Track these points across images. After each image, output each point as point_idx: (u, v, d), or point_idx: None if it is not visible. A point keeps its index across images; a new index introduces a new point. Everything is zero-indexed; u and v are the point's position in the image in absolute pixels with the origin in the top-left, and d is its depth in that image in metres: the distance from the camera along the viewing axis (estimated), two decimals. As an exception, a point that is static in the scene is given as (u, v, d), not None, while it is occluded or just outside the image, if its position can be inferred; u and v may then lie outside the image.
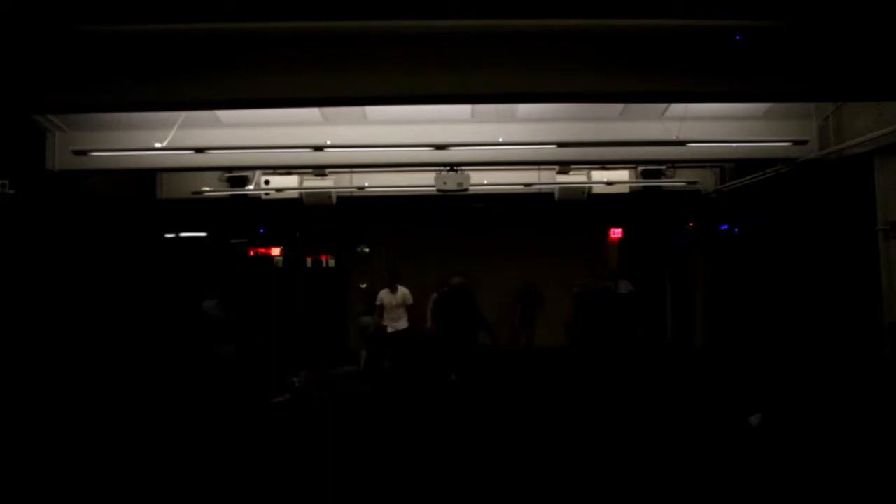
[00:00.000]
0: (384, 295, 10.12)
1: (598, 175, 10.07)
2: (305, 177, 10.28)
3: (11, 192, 7.50)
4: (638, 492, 5.49)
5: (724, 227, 12.03)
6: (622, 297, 12.02)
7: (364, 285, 13.81)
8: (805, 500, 5.30)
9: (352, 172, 10.65)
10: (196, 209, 11.44)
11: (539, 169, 10.59)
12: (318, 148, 7.84)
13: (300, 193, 10.30)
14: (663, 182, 10.12)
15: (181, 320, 9.61)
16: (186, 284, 11.25)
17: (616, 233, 13.61)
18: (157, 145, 7.45)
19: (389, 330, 10.03)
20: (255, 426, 7.01)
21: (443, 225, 13.12)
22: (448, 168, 8.69)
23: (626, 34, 5.24)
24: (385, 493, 5.48)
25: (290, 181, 10.06)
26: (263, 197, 10.40)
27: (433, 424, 7.61)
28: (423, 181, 9.59)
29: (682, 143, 7.84)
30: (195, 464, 6.08)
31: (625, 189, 10.44)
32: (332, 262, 14.24)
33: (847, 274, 8.03)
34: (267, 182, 10.03)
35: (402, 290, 10.12)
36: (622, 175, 10.06)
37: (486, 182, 10.27)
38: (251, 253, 13.70)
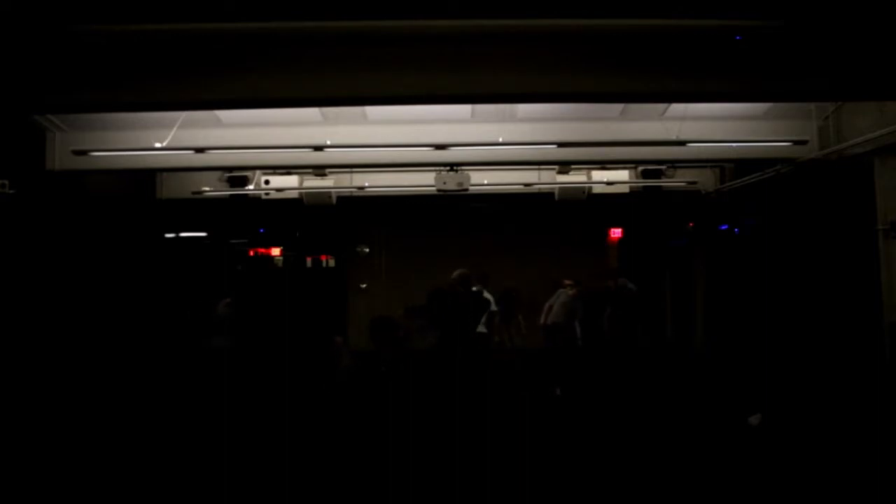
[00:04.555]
0: None
1: (598, 175, 10.08)
2: (305, 177, 10.28)
3: (11, 192, 7.50)
4: (638, 491, 5.49)
5: (724, 227, 12.03)
6: (622, 297, 12.00)
7: (364, 285, 13.83)
8: (805, 499, 5.30)
9: (352, 172, 10.64)
10: (196, 209, 11.44)
11: (539, 169, 10.58)
12: (318, 148, 7.85)
13: (300, 193, 10.31)
14: (663, 182, 10.14)
15: (179, 320, 9.60)
16: (186, 285, 11.26)
17: (616, 233, 13.61)
18: (157, 145, 7.45)
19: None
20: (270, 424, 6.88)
21: (443, 225, 13.11)
22: (448, 168, 8.69)
23: (626, 34, 5.24)
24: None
25: (290, 181, 10.07)
26: (263, 197, 10.41)
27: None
28: (423, 181, 9.59)
29: (682, 143, 7.84)
30: (197, 463, 6.07)
31: (625, 189, 10.46)
32: (332, 262, 14.24)
33: (847, 274, 8.03)
34: (267, 182, 10.04)
35: (487, 295, 8.51)
36: (622, 175, 10.07)
37: (486, 182, 10.26)
38: (251, 253, 13.72)
